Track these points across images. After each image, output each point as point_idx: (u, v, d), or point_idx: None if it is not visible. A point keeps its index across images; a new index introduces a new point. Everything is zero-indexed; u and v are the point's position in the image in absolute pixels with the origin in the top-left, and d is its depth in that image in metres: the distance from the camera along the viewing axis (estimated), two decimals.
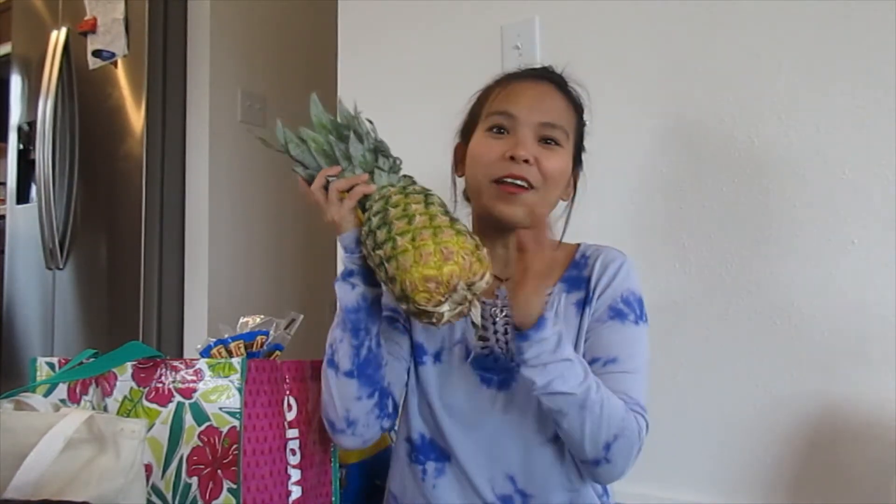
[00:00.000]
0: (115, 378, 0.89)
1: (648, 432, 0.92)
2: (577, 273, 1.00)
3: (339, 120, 0.95)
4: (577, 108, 1.02)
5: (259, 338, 0.96)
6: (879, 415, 1.08)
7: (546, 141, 0.95)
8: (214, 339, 0.97)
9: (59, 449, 0.71)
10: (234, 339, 0.95)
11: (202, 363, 0.86)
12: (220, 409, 0.84)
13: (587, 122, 1.04)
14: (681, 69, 1.29)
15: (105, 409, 0.89)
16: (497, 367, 0.97)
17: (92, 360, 0.93)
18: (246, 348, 0.95)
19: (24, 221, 2.57)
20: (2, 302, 2.65)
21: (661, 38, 1.31)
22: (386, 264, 0.81)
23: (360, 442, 0.95)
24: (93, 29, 2.33)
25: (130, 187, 2.24)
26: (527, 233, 0.87)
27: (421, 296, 0.78)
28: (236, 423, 0.84)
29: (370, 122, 0.96)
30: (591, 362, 0.93)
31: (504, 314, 0.96)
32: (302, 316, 1.01)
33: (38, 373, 0.97)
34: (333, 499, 0.99)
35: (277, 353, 0.99)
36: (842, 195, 1.14)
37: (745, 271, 1.21)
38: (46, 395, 0.92)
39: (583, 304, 0.97)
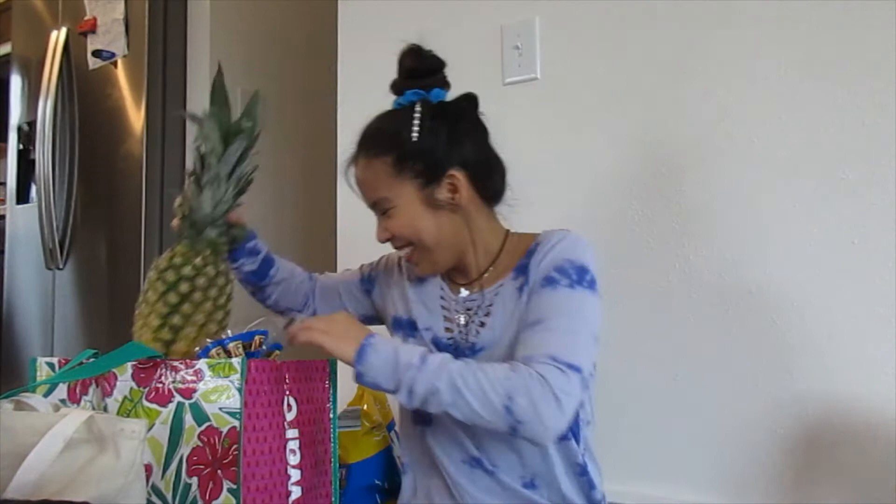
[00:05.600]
0: (115, 378, 0.89)
1: (576, 373, 0.91)
2: (527, 261, 1.05)
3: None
4: (390, 150, 1.04)
5: (257, 337, 0.96)
6: (879, 415, 1.08)
7: (383, 212, 1.07)
8: (213, 341, 0.97)
9: (59, 449, 0.70)
10: (233, 339, 0.95)
11: (202, 363, 0.86)
12: (220, 409, 0.84)
13: (414, 137, 1.04)
14: (681, 69, 1.29)
15: (105, 409, 0.89)
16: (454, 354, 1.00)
17: (92, 360, 0.92)
18: (244, 348, 0.95)
19: (24, 221, 2.56)
20: (2, 302, 2.64)
21: (661, 38, 1.31)
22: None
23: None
24: (93, 29, 2.33)
25: (130, 187, 2.24)
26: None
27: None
28: (236, 423, 0.84)
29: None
30: (524, 329, 0.98)
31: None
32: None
33: (38, 373, 0.97)
34: (333, 499, 0.99)
35: (277, 352, 0.98)
36: (842, 195, 1.14)
37: (745, 271, 1.21)
38: (46, 395, 0.92)
39: (521, 287, 1.03)
